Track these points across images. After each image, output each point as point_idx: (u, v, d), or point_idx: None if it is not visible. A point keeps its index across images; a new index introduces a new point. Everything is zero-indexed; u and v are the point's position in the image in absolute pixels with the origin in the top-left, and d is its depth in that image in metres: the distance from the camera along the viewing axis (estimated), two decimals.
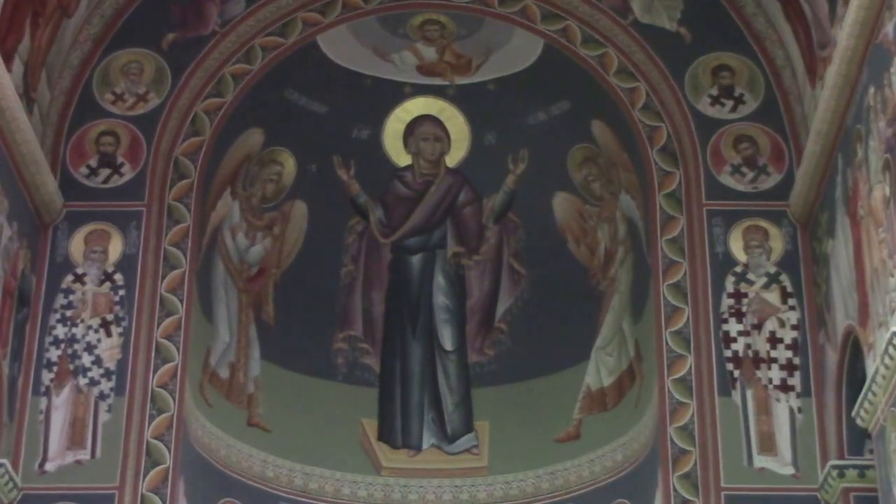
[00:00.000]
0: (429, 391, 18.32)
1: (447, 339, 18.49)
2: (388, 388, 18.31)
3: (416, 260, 18.64)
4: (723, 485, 15.29)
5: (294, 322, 17.93)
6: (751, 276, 16.11)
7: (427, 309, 18.51)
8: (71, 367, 15.79)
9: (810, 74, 15.76)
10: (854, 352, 14.42)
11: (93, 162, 16.69)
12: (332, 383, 18.10)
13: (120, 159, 16.68)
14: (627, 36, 17.08)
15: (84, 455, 15.45)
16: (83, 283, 16.16)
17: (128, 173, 16.63)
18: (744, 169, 16.53)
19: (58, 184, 16.32)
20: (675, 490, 15.38)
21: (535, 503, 17.60)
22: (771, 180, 16.49)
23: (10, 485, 15.02)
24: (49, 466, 15.38)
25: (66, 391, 15.70)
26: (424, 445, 18.17)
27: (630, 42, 17.07)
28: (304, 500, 17.49)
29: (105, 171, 16.64)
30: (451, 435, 18.18)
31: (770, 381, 15.66)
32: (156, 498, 15.38)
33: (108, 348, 15.87)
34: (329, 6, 17.45)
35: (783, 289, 16.04)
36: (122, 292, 16.12)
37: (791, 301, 15.97)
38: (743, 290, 16.03)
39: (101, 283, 16.17)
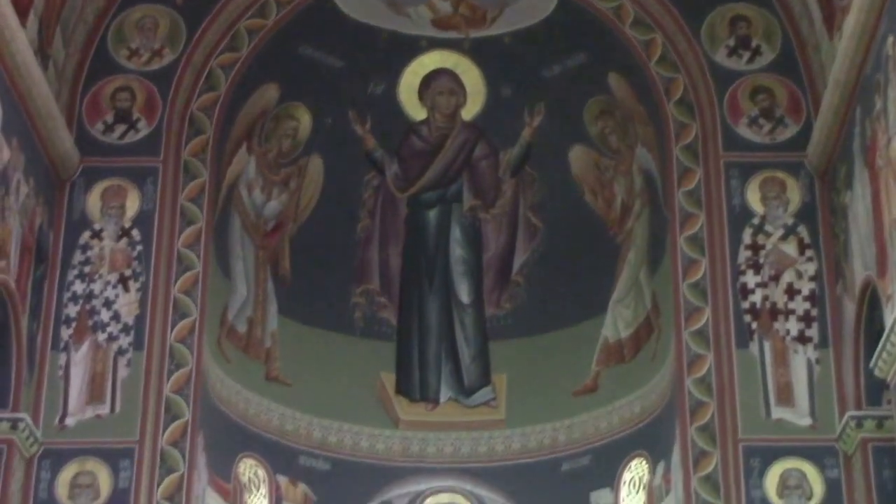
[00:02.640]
0: (446, 345, 18.37)
1: (464, 293, 18.51)
2: (405, 342, 18.36)
3: (432, 214, 18.64)
4: (740, 436, 15.32)
5: (311, 277, 17.96)
6: (768, 227, 16.08)
7: (444, 263, 18.53)
8: (90, 322, 15.85)
9: (828, 24, 15.66)
10: (872, 303, 14.39)
11: (109, 118, 16.69)
12: (350, 337, 18.16)
13: (136, 115, 16.67)
14: None
15: (103, 410, 15.53)
16: (101, 239, 16.20)
17: (144, 129, 16.63)
18: (761, 120, 16.46)
19: (74, 140, 16.33)
20: (692, 442, 15.42)
21: (553, 456, 17.66)
22: (788, 132, 16.43)
23: (31, 439, 15.13)
24: (69, 421, 15.48)
25: (85, 347, 15.77)
26: (442, 399, 18.24)
27: None
28: (322, 453, 17.58)
29: (121, 127, 16.64)
30: (469, 388, 18.24)
31: (788, 332, 15.66)
32: (175, 452, 15.45)
33: (127, 304, 15.93)
34: None
35: (801, 240, 16.01)
36: (139, 248, 16.16)
37: (808, 252, 15.94)
38: (760, 242, 16.00)
39: (119, 238, 16.20)
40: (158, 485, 15.29)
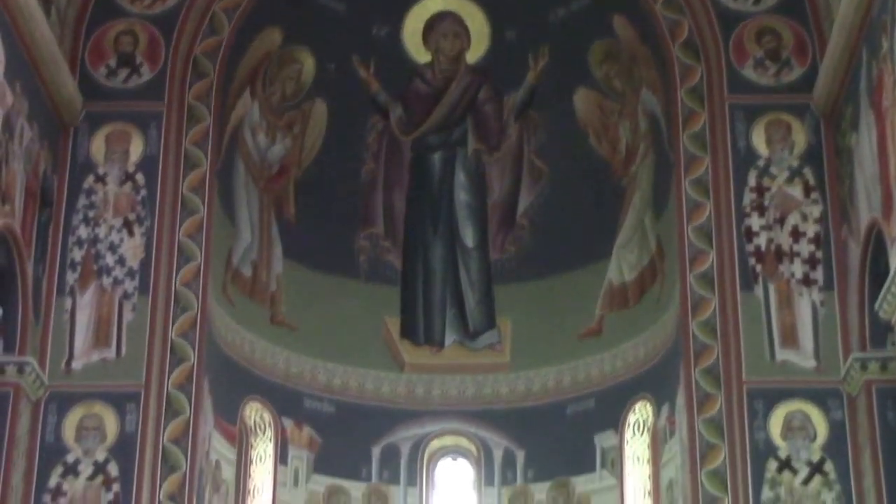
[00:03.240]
0: (451, 288, 18.40)
1: (468, 237, 18.52)
2: (410, 286, 18.39)
3: (436, 157, 18.62)
4: (745, 378, 15.37)
5: (315, 221, 17.97)
6: (773, 170, 16.05)
7: (448, 206, 18.53)
8: (95, 267, 15.88)
9: None
10: (877, 245, 14.39)
11: (112, 62, 16.63)
12: (355, 281, 18.19)
13: (139, 59, 16.61)
14: None
15: (109, 354, 15.59)
16: (105, 184, 16.20)
17: (147, 73, 16.58)
18: (767, 62, 16.39)
19: (77, 85, 16.28)
20: (696, 384, 15.46)
21: (558, 399, 17.73)
22: (794, 73, 16.35)
23: (38, 383, 15.18)
24: (75, 365, 15.54)
25: (91, 291, 15.80)
26: (447, 342, 18.29)
27: None
28: (327, 396, 17.66)
29: (124, 72, 16.58)
30: (474, 331, 18.29)
31: (792, 275, 15.66)
32: (181, 395, 15.50)
33: (131, 248, 15.95)
34: None
35: (806, 182, 15.99)
36: (143, 192, 16.16)
37: (814, 195, 15.93)
38: (765, 185, 15.98)
39: (123, 183, 16.20)
40: (164, 428, 15.36)
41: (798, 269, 15.66)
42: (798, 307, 15.55)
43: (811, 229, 15.81)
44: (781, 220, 15.84)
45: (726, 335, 15.51)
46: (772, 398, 15.28)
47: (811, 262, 15.68)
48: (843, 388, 15.19)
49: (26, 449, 15.07)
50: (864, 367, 14.86)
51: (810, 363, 15.38)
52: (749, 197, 15.94)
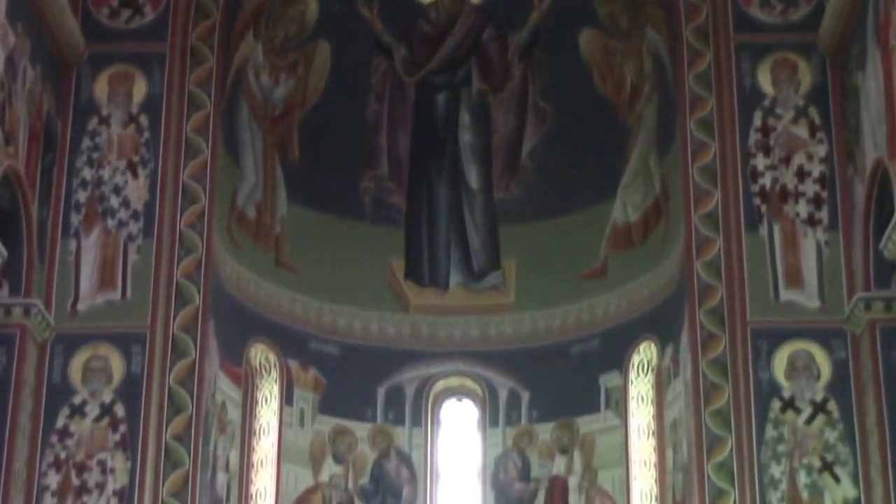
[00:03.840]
0: (455, 229, 18.40)
1: (473, 178, 18.49)
2: (414, 227, 18.39)
3: (440, 98, 18.56)
4: (749, 319, 15.40)
5: (320, 162, 17.94)
6: (779, 109, 16.00)
7: (452, 147, 18.49)
8: (99, 209, 15.88)
9: None
10: (883, 184, 14.36)
11: (114, 2, 16.54)
12: (359, 223, 18.18)
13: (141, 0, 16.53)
14: None
15: (115, 296, 15.62)
16: (108, 126, 16.16)
17: (149, 14, 16.50)
18: (772, 1, 16.27)
19: (80, 25, 16.19)
20: (701, 325, 15.48)
21: (562, 339, 17.77)
22: (800, 12, 16.25)
23: (44, 325, 15.23)
24: (81, 307, 15.57)
25: (96, 233, 15.81)
26: (452, 283, 18.32)
27: None
28: (332, 338, 17.71)
29: (127, 12, 16.50)
30: (478, 272, 18.30)
31: (797, 215, 15.66)
32: (186, 337, 15.54)
33: (135, 190, 15.95)
34: None
35: (811, 122, 15.94)
36: (147, 134, 16.13)
37: (819, 134, 15.88)
38: (771, 124, 15.94)
39: (126, 125, 16.17)
40: (170, 370, 15.40)
41: (803, 209, 15.65)
42: (803, 247, 15.55)
43: (816, 169, 15.78)
44: (787, 160, 15.81)
45: (731, 275, 15.52)
46: (776, 338, 15.31)
47: (816, 201, 15.67)
48: (846, 327, 15.22)
49: (33, 390, 15.14)
50: (868, 307, 14.88)
51: (814, 303, 15.40)
52: (754, 137, 15.90)
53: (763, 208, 15.69)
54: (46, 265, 15.54)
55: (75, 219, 15.83)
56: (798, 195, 15.69)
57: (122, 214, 15.86)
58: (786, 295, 15.43)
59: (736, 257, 15.57)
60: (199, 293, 15.71)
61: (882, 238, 13.87)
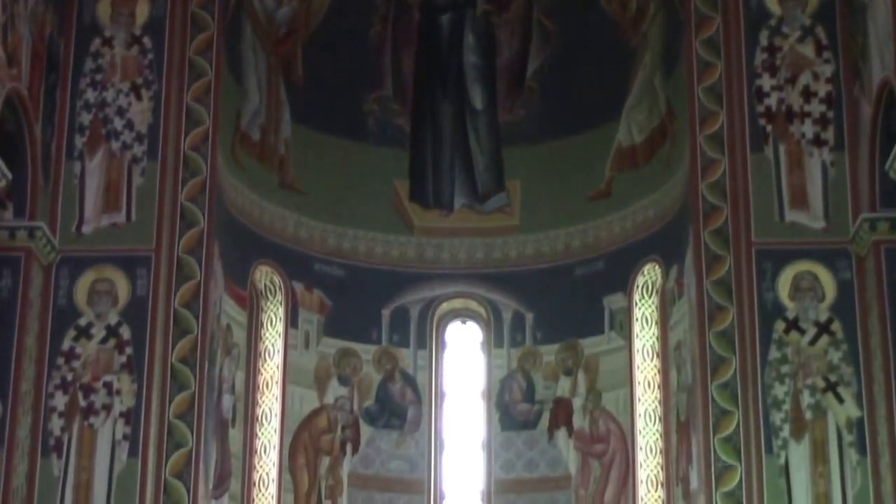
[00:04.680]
0: (460, 151, 18.35)
1: (477, 99, 18.42)
2: (419, 149, 18.35)
3: (445, 19, 18.44)
4: (754, 239, 15.40)
5: (324, 84, 17.85)
6: (785, 28, 15.88)
7: (457, 68, 18.40)
8: (103, 131, 15.84)
9: None
10: (889, 104, 14.31)
11: None
12: (364, 144, 18.14)
13: None
14: None
15: (119, 218, 15.62)
16: (111, 47, 16.08)
17: None
18: None
19: None
20: (706, 246, 15.47)
21: (566, 261, 17.79)
22: None
23: (49, 247, 15.25)
24: (86, 229, 15.58)
25: (100, 155, 15.78)
26: (456, 205, 18.31)
27: None
28: (337, 260, 17.73)
29: None
30: (483, 194, 18.28)
31: (803, 135, 15.60)
32: (191, 260, 15.55)
33: (139, 112, 15.90)
34: None
35: (818, 41, 15.83)
36: (150, 55, 16.05)
37: (826, 54, 15.78)
38: (777, 44, 15.83)
39: (130, 46, 16.08)
40: (175, 292, 15.43)
41: (809, 129, 15.59)
42: (808, 168, 15.50)
43: (822, 89, 15.70)
44: (793, 80, 15.72)
45: (736, 196, 15.49)
46: (780, 259, 15.31)
47: (822, 122, 15.60)
48: (851, 248, 15.22)
49: (39, 313, 15.19)
50: (873, 228, 14.87)
51: (819, 224, 15.38)
52: (760, 57, 15.80)
53: (768, 129, 15.63)
54: (51, 188, 15.53)
55: (79, 141, 15.80)
56: (804, 115, 15.61)
57: (126, 137, 15.82)
58: (791, 216, 15.41)
59: (741, 178, 15.53)
60: (204, 215, 15.70)
61: (888, 158, 13.83)
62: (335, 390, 17.65)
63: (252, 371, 17.02)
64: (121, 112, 15.87)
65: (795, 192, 15.45)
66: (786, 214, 15.43)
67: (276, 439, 17.10)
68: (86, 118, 15.85)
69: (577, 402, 17.61)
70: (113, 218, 15.62)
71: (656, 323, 17.10)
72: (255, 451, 16.93)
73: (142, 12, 16.16)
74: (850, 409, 14.90)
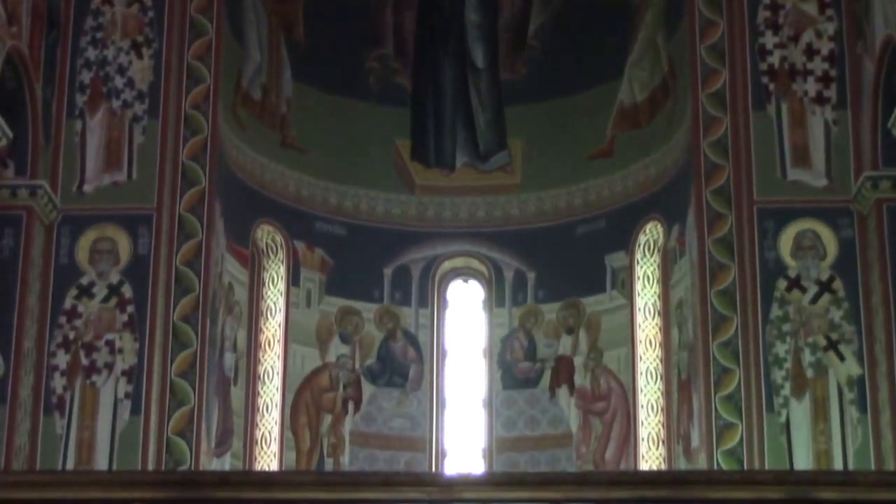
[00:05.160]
0: (461, 110, 18.29)
1: (479, 57, 18.34)
2: (420, 108, 18.28)
3: None
4: (756, 198, 15.38)
5: (325, 42, 17.78)
6: None
7: (458, 26, 18.32)
8: (104, 89, 15.80)
9: None
10: (892, 62, 14.27)
11: None
12: (365, 103, 18.07)
13: None
14: None
15: (121, 177, 15.61)
16: (112, 5, 16.01)
17: None
18: None
19: None
20: (707, 204, 15.46)
21: (568, 220, 17.77)
22: None
23: (50, 206, 15.24)
24: (87, 188, 15.57)
25: (101, 114, 15.75)
26: (458, 164, 18.27)
27: None
28: (338, 218, 17.72)
29: None
30: (485, 153, 18.24)
31: (805, 93, 15.55)
32: (193, 218, 15.55)
33: (140, 70, 15.86)
34: None
35: None
36: (151, 13, 15.99)
37: (829, 11, 15.70)
38: (780, 2, 15.75)
39: (130, 4, 16.02)
40: (177, 251, 15.43)
41: (811, 87, 15.54)
42: (810, 126, 15.47)
43: (825, 47, 15.63)
44: (795, 38, 15.65)
45: (738, 154, 15.46)
46: (782, 217, 15.30)
47: (825, 80, 15.55)
48: (853, 206, 15.20)
49: (41, 271, 15.20)
50: (875, 186, 14.86)
51: (821, 182, 15.36)
52: (763, 14, 15.73)
53: (771, 87, 15.58)
54: (52, 146, 15.51)
55: (80, 99, 15.76)
56: (806, 73, 15.56)
57: (127, 95, 15.79)
58: (793, 174, 15.39)
59: (743, 136, 15.50)
60: (205, 174, 15.68)
61: (890, 116, 13.80)
62: (337, 349, 17.68)
63: (254, 329, 17.05)
64: (121, 70, 15.83)
65: (798, 151, 15.41)
66: (788, 173, 15.40)
67: (277, 397, 17.14)
68: (86, 76, 15.81)
69: (579, 361, 17.64)
70: (114, 177, 15.61)
71: (658, 281, 17.10)
72: (257, 410, 16.97)
73: None
74: (851, 367, 14.92)
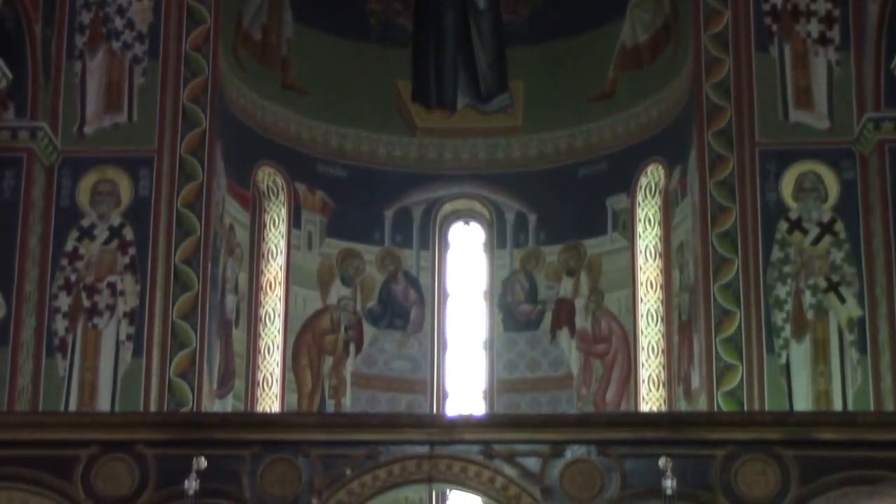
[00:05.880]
0: (462, 51, 18.19)
1: None
2: (421, 49, 18.18)
3: None
4: (757, 140, 15.35)
5: None
6: None
7: None
8: (104, 30, 15.73)
9: None
10: None
11: None
12: (366, 44, 17.97)
13: None
14: None
15: (121, 118, 15.58)
16: None
17: None
18: None
19: None
20: (709, 146, 15.43)
21: (570, 162, 17.74)
22: None
23: (51, 148, 15.22)
24: (87, 130, 15.54)
25: (101, 55, 15.70)
26: (459, 105, 18.19)
27: None
28: (339, 160, 17.69)
29: None
30: (486, 94, 18.16)
31: (808, 34, 15.48)
32: (194, 160, 15.52)
33: (140, 11, 15.80)
34: None
35: None
36: None
37: None
38: None
39: None
40: (178, 192, 15.42)
41: (814, 28, 15.47)
42: (813, 67, 15.41)
43: None
44: None
45: (740, 96, 15.42)
46: (784, 159, 15.29)
47: (828, 20, 15.47)
48: (855, 148, 15.17)
49: (42, 213, 15.21)
50: (877, 127, 14.83)
51: (824, 124, 15.32)
52: None
53: (774, 28, 15.51)
54: (52, 88, 15.45)
55: (80, 40, 15.70)
56: (809, 14, 15.49)
57: (127, 36, 15.72)
58: (795, 116, 15.35)
59: (745, 78, 15.45)
60: (206, 116, 15.65)
61: (893, 58, 13.74)
62: (338, 291, 17.70)
63: (255, 271, 17.07)
64: (121, 11, 15.76)
65: (800, 92, 15.36)
66: (790, 114, 15.36)
67: (279, 339, 17.18)
68: (86, 17, 15.74)
69: (580, 303, 17.66)
70: (114, 118, 15.58)
71: (659, 223, 17.10)
72: (259, 351, 17.03)
73: None
74: (852, 309, 14.95)
